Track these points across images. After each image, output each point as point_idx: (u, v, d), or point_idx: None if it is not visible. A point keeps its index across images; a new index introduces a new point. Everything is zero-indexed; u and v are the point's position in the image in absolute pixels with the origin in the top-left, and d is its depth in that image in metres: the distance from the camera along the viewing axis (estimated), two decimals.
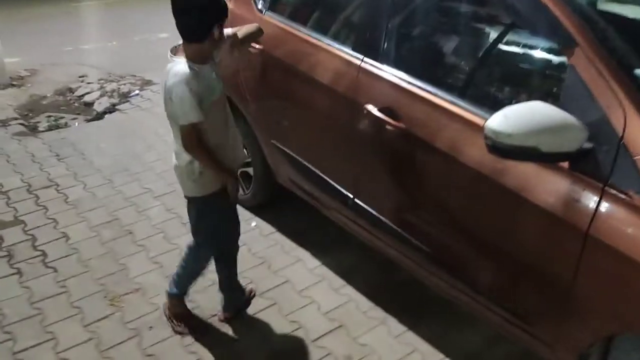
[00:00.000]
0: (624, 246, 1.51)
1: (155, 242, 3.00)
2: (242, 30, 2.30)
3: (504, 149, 1.55)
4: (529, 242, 1.78)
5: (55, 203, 3.34)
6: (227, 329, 2.46)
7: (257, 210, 3.25)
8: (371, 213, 2.37)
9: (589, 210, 1.58)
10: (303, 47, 2.57)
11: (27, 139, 4.16)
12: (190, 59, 1.99)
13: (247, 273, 2.73)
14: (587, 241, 1.59)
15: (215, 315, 2.51)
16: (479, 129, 1.67)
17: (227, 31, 2.17)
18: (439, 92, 2.00)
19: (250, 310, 2.55)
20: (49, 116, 4.56)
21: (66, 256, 2.89)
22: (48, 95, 4.98)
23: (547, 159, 1.61)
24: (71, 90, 5.08)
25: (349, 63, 2.33)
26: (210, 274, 2.48)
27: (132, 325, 2.47)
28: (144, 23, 7.34)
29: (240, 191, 3.17)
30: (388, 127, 2.09)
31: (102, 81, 5.26)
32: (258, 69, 2.78)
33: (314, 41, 2.53)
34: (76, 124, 4.44)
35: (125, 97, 4.95)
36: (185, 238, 2.72)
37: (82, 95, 4.96)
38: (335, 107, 2.39)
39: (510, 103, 1.71)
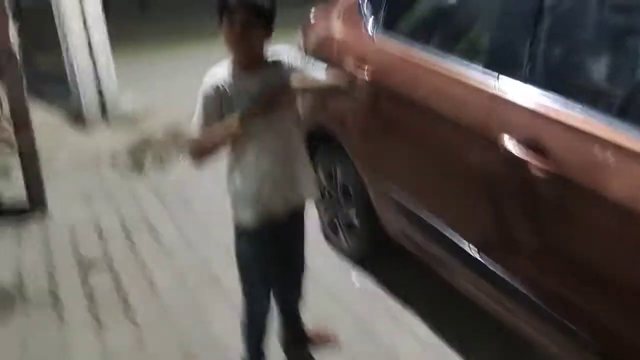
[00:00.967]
0: None
1: None
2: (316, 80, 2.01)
3: None
4: None
5: (145, 243, 3.18)
6: None
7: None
8: (509, 283, 1.83)
9: None
10: (420, 73, 2.15)
11: (131, 176, 4.13)
12: None
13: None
14: None
15: None
16: None
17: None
18: (609, 122, 1.46)
19: None
20: (156, 155, 4.51)
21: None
22: (158, 134, 4.97)
23: None
24: (181, 132, 5.05)
25: (479, 84, 1.86)
26: None
27: None
28: None
29: (343, 242, 2.82)
30: (531, 167, 1.59)
31: None
32: (366, 103, 2.37)
33: (436, 66, 2.09)
34: (182, 164, 4.33)
35: None
36: None
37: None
38: (460, 143, 1.93)
39: None
